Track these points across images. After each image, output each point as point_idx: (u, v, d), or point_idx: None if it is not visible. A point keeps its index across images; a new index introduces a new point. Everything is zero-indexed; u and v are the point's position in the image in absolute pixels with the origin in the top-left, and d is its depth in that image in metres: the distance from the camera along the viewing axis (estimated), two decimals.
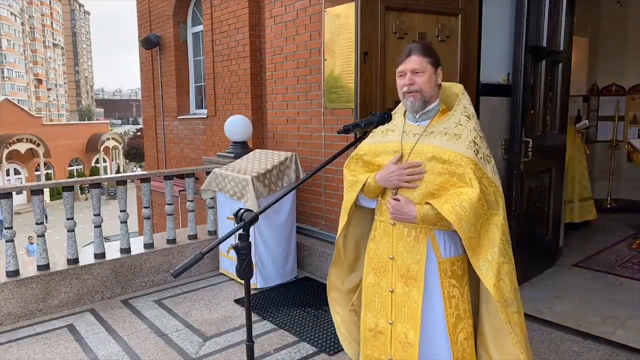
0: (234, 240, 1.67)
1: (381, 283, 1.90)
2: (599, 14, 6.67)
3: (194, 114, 7.65)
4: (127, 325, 3.61)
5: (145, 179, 4.51)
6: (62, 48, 78.17)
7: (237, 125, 5.20)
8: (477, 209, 1.69)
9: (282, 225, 4.35)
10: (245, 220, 1.62)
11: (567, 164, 4.98)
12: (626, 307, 3.49)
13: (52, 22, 71.80)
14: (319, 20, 4.43)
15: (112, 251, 4.29)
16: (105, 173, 39.03)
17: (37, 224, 3.88)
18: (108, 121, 57.16)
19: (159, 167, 8.38)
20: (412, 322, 1.81)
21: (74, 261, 4.02)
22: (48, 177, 34.59)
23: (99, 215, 4.19)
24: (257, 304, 3.91)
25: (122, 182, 4.48)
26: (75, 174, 37.92)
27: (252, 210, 1.66)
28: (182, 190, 6.80)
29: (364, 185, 1.89)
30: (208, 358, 3.10)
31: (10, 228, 3.74)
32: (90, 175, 34.20)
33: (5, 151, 31.81)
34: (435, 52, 1.86)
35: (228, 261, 4.51)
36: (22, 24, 61.46)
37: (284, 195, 1.94)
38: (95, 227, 4.19)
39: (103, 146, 40.47)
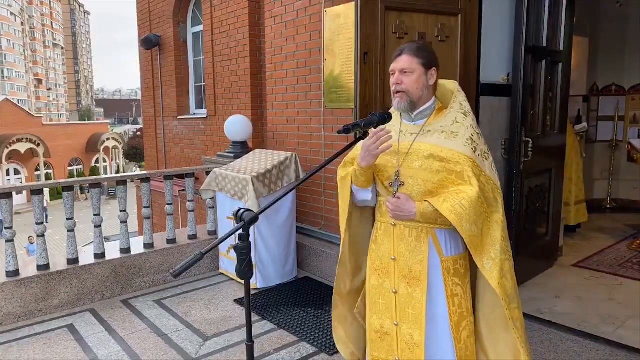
0: (234, 240, 1.67)
1: (384, 284, 1.90)
2: (599, 14, 6.66)
3: (194, 114, 7.65)
4: (127, 325, 3.61)
5: (145, 179, 4.51)
6: (62, 48, 78.15)
7: (237, 125, 5.20)
8: (477, 207, 1.69)
9: (282, 225, 4.35)
10: (245, 220, 1.62)
11: (565, 165, 4.99)
12: (626, 307, 3.49)
13: (52, 22, 71.78)
14: (319, 20, 4.43)
15: (112, 251, 4.29)
16: (105, 173, 39.02)
17: (37, 224, 3.88)
18: (108, 121, 57.13)
19: (159, 167, 8.38)
20: (417, 323, 1.81)
21: (74, 261, 4.02)
22: (48, 177, 34.58)
23: (99, 215, 4.19)
24: (257, 304, 3.91)
25: (122, 182, 4.48)
26: (75, 174, 37.91)
27: (252, 210, 1.66)
28: (182, 190, 6.80)
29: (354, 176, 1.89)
30: (208, 358, 3.10)
31: (10, 228, 3.74)
32: (90, 175, 34.19)
33: (5, 151, 31.81)
34: (430, 52, 1.84)
35: (228, 261, 4.51)
36: (22, 23, 61.45)
37: (284, 195, 1.94)
38: (95, 227, 4.19)
39: (103, 146, 40.46)
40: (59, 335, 3.47)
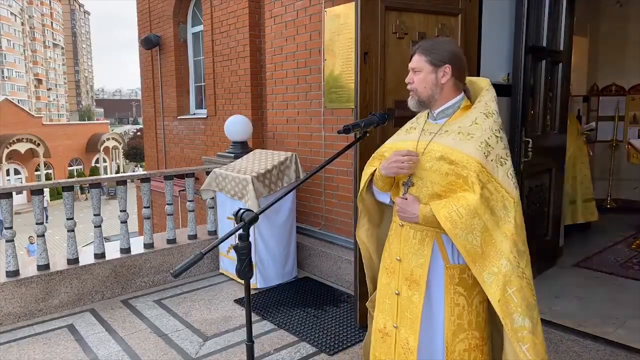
0: (234, 240, 1.67)
1: (391, 284, 1.88)
2: (599, 14, 6.66)
3: (194, 114, 7.65)
4: (127, 325, 3.61)
5: (145, 179, 4.51)
6: (62, 48, 78.16)
7: (237, 125, 5.20)
8: (477, 216, 1.60)
9: (282, 225, 4.35)
10: (245, 220, 1.62)
11: (569, 163, 4.99)
12: (626, 307, 3.49)
13: (52, 22, 71.79)
14: (319, 20, 4.43)
15: (112, 251, 4.29)
16: (105, 173, 39.02)
17: (37, 224, 3.88)
18: (108, 121, 57.12)
19: (159, 167, 8.38)
20: (413, 328, 1.78)
21: (74, 261, 4.02)
22: (48, 177, 34.58)
23: (99, 215, 4.19)
24: (257, 304, 3.91)
25: (122, 182, 4.48)
26: (75, 174, 37.91)
27: (252, 210, 1.66)
28: (182, 190, 6.80)
29: (374, 176, 1.90)
30: (208, 358, 3.10)
31: (10, 228, 3.74)
32: (90, 175, 34.20)
33: (5, 151, 31.80)
34: (443, 50, 1.76)
35: (228, 261, 4.51)
36: (22, 24, 61.46)
37: (284, 195, 1.94)
38: (95, 227, 4.19)
39: (103, 146, 40.46)
40: (59, 335, 3.47)
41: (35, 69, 66.31)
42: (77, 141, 38.68)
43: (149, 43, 7.87)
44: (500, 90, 3.75)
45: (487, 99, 1.78)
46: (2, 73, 57.29)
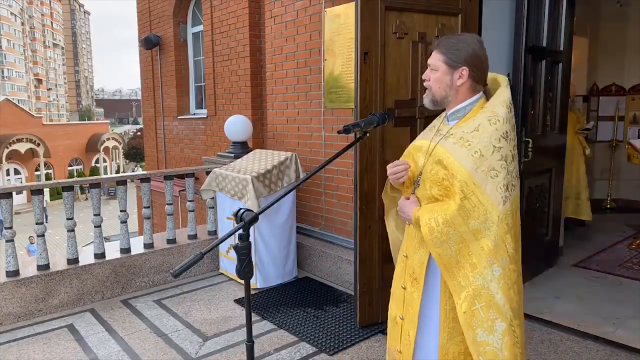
0: (234, 240, 1.67)
1: (400, 278, 1.94)
2: (599, 14, 6.66)
3: (194, 114, 7.65)
4: (127, 325, 3.61)
5: (145, 179, 4.51)
6: (62, 48, 78.17)
7: (237, 125, 5.20)
8: (453, 226, 1.60)
9: (282, 225, 4.35)
10: (245, 220, 1.62)
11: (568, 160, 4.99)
12: (626, 307, 3.49)
13: (52, 22, 71.80)
14: (319, 20, 4.43)
15: (112, 251, 4.29)
16: (105, 173, 39.05)
17: (37, 224, 3.88)
18: (108, 121, 57.14)
19: (159, 167, 8.38)
20: (413, 322, 1.82)
21: (74, 261, 4.02)
22: (48, 177, 34.59)
23: (99, 215, 4.19)
24: (257, 304, 3.91)
25: (122, 182, 4.48)
26: (75, 174, 37.94)
27: (252, 210, 1.66)
28: (182, 190, 6.80)
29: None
30: (208, 358, 3.10)
31: (10, 228, 3.74)
32: (90, 175, 34.18)
33: (5, 151, 31.82)
34: (461, 51, 1.68)
35: (228, 261, 4.51)
36: (22, 24, 61.48)
37: (284, 195, 1.94)
38: (95, 227, 4.19)
39: (103, 146, 40.49)
40: (59, 335, 3.47)
41: (35, 69, 66.33)
42: (77, 141, 38.71)
43: (149, 43, 7.87)
44: None
45: (498, 102, 1.68)
46: (2, 73, 57.30)
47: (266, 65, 5.40)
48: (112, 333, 3.47)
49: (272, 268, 4.30)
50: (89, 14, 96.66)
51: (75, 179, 11.10)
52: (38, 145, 33.72)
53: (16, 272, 3.76)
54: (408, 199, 1.81)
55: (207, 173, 4.78)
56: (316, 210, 4.75)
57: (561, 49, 4.09)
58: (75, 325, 3.61)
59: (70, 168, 38.08)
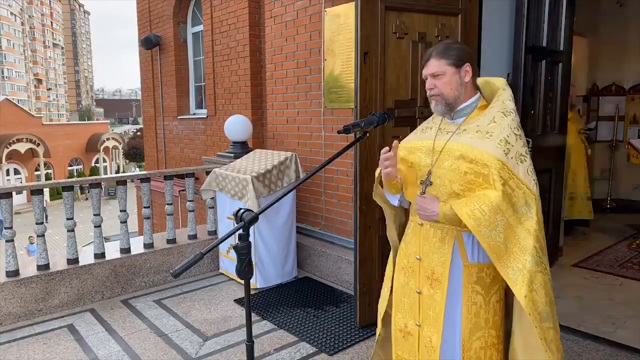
0: (234, 240, 1.67)
1: (409, 284, 1.89)
2: (599, 14, 6.67)
3: (194, 114, 7.65)
4: (127, 325, 3.61)
5: (145, 179, 4.51)
6: (62, 48, 78.16)
7: (237, 125, 5.20)
8: (500, 213, 1.61)
9: (282, 225, 4.35)
10: (245, 220, 1.62)
11: (569, 159, 5.00)
12: (626, 307, 3.49)
13: (52, 22, 71.79)
14: (319, 20, 4.43)
15: (112, 251, 4.29)
16: (105, 173, 39.03)
17: (37, 224, 3.88)
18: (108, 121, 57.12)
19: (159, 167, 8.37)
20: (436, 326, 1.80)
21: (74, 261, 4.02)
22: (48, 177, 34.58)
23: (99, 215, 4.19)
24: (257, 304, 3.91)
25: (122, 182, 4.48)
26: (75, 174, 37.93)
27: (252, 210, 1.66)
28: (182, 190, 6.80)
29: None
30: (208, 358, 3.10)
31: (10, 228, 3.74)
32: (90, 175, 34.19)
33: (5, 151, 31.81)
34: (459, 49, 1.79)
35: (228, 261, 4.51)
36: (22, 23, 61.46)
37: (284, 195, 1.94)
38: (95, 227, 4.19)
39: (103, 146, 40.48)
40: (59, 335, 3.47)
41: (35, 68, 66.31)
42: (77, 141, 38.70)
43: (149, 43, 7.87)
44: None
45: (504, 97, 1.79)
46: (2, 73, 57.28)
47: (266, 65, 5.40)
48: (112, 333, 3.47)
49: (272, 268, 4.30)
50: (89, 13, 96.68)
51: (75, 179, 11.10)
52: (38, 145, 33.71)
53: (16, 272, 3.76)
54: (425, 197, 1.77)
55: (207, 173, 4.78)
56: (316, 210, 4.75)
57: (561, 49, 4.09)
58: (75, 325, 3.61)
59: (70, 168, 38.07)
